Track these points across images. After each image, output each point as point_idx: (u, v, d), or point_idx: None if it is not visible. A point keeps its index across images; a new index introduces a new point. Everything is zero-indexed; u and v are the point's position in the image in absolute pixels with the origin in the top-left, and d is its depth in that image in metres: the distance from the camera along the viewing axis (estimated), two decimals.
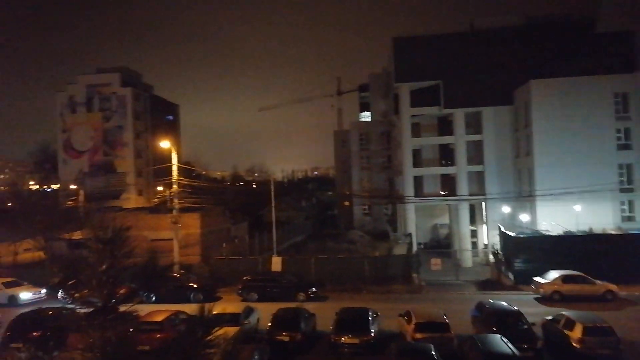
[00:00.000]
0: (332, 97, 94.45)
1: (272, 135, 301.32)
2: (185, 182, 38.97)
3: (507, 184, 40.57)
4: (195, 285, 29.00)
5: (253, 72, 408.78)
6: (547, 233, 33.31)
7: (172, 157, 34.78)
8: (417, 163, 44.42)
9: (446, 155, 45.84)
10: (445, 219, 48.35)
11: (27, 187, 76.89)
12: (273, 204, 37.72)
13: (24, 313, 22.11)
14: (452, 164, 43.41)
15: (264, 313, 22.50)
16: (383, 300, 27.08)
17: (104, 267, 3.92)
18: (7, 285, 29.83)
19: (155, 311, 20.83)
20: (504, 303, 21.54)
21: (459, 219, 42.27)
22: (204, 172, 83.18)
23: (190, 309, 22.50)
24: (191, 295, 27.97)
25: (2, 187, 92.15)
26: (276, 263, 33.17)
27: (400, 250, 37.86)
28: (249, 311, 21.94)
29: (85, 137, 71.43)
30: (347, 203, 65.92)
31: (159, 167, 50.15)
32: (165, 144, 37.29)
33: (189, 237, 36.99)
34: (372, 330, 19.23)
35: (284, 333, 19.42)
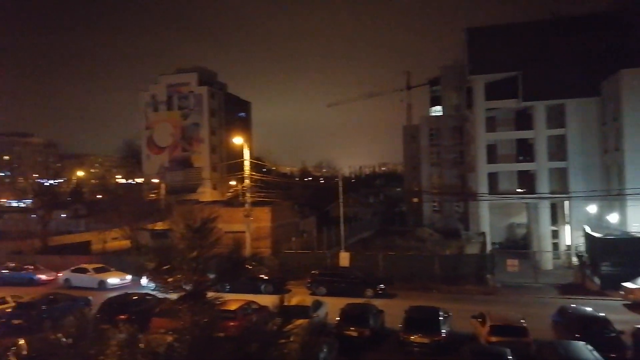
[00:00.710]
0: (401, 91, 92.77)
1: (340, 130, 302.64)
2: (257, 177, 40.26)
3: (593, 182, 37.54)
4: (265, 277, 29.86)
5: (322, 68, 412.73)
6: (638, 235, 30.48)
7: (244, 152, 36.02)
8: (491, 159, 42.41)
9: (524, 150, 43.34)
10: (522, 218, 45.82)
11: (114, 181, 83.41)
12: (341, 200, 37.83)
13: (111, 297, 24.04)
14: (531, 160, 40.97)
15: (332, 307, 22.68)
16: (454, 301, 26.23)
17: (194, 254, 4.14)
18: (97, 270, 32.51)
19: (228, 300, 21.73)
20: (589, 308, 20.08)
21: (539, 218, 39.85)
22: (273, 168, 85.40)
23: (262, 299, 23.44)
24: (262, 287, 28.85)
25: (93, 181, 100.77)
26: (344, 258, 33.30)
27: (472, 249, 36.50)
28: (317, 305, 22.19)
29: (165, 133, 76.01)
30: (416, 200, 64.61)
31: (232, 163, 52.19)
32: (238, 140, 38.73)
33: (260, 230, 38.17)
34: (443, 331, 18.71)
35: (352, 328, 19.45)
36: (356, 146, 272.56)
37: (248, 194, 35.79)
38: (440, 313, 19.84)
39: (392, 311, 22.19)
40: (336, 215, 40.21)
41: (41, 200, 47.82)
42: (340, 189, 37.66)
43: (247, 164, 35.65)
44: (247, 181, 35.97)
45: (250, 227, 35.34)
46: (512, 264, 31.27)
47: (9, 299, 24.21)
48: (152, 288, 26.39)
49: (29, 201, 57.22)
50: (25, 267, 34.27)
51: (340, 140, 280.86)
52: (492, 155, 43.06)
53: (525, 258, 34.42)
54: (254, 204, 37.23)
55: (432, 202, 58.40)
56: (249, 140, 50.13)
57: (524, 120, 42.46)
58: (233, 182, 60.89)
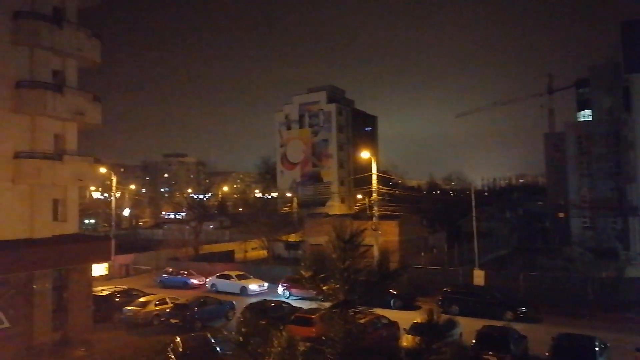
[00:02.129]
0: (540, 96, 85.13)
1: (471, 141, 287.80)
2: (384, 191, 40.18)
3: None
4: (395, 292, 29.40)
5: (450, 77, 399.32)
6: None
7: (372, 166, 36.26)
8: None
9: None
10: None
11: (253, 195, 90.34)
12: (474, 214, 35.76)
13: (252, 303, 25.90)
14: None
15: (466, 328, 21.37)
16: (612, 330, 22.80)
17: (345, 264, 4.29)
18: (239, 277, 35.32)
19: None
20: None
21: None
22: (400, 181, 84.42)
23: (390, 314, 23.08)
24: (391, 302, 28.45)
25: (235, 195, 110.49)
26: (478, 276, 31.29)
27: (634, 272, 31.52)
28: (451, 324, 21.09)
29: (297, 150, 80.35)
30: (561, 215, 58.06)
31: (359, 177, 52.93)
32: (365, 154, 39.16)
33: (387, 244, 37.85)
34: None
35: (490, 352, 18.04)
36: (489, 157, 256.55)
37: (375, 208, 35.85)
38: (597, 343, 17.42)
39: (537, 337, 20.18)
40: (468, 230, 38.11)
41: (194, 213, 53.82)
42: (473, 202, 35.63)
43: (374, 178, 35.83)
44: (374, 195, 36.10)
45: (378, 240, 35.27)
46: None
47: (167, 300, 27.53)
48: (286, 296, 28.10)
49: (183, 213, 64.86)
50: (181, 272, 38.72)
51: (471, 152, 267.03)
52: None
53: None
54: (382, 217, 37.13)
55: (582, 217, 51.86)
56: (376, 154, 50.43)
57: None
58: (360, 196, 61.63)
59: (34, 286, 19.63)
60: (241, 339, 3.88)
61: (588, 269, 33.39)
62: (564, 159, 55.56)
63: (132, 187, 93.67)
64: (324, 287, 4.57)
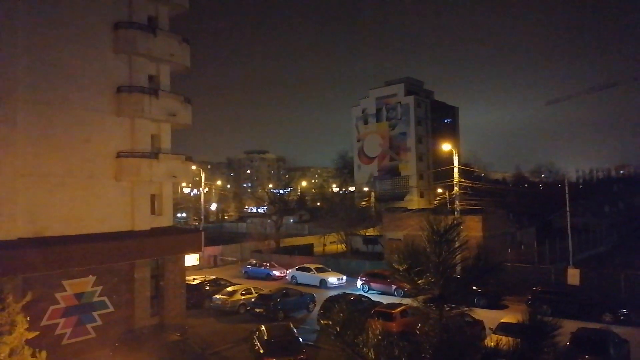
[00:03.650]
0: None
1: (564, 130, 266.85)
2: (466, 184, 38.66)
3: None
4: (479, 290, 28.24)
5: (538, 62, 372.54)
6: None
7: (453, 159, 35.04)
8: None
9: None
10: None
11: (330, 190, 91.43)
12: (567, 208, 33.25)
13: (332, 296, 26.27)
14: None
15: (559, 330, 19.97)
16: None
17: (440, 258, 4.21)
18: (318, 270, 35.96)
19: None
20: None
21: None
22: (483, 174, 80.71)
23: (475, 313, 22.26)
24: (475, 299, 27.38)
25: (314, 190, 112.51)
26: (573, 275, 29.09)
27: None
28: (554, 325, 19.85)
29: (374, 144, 79.79)
30: None
31: (439, 170, 51.40)
32: (445, 146, 37.94)
33: (470, 240, 36.29)
34: None
35: (587, 357, 16.78)
36: (584, 147, 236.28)
37: (457, 202, 34.65)
38: None
39: None
40: (560, 226, 35.53)
41: (275, 207, 55.68)
42: (567, 195, 33.14)
43: (455, 171, 34.61)
44: (456, 188, 34.89)
45: (461, 236, 34.06)
46: None
47: (253, 290, 28.82)
48: (365, 290, 28.10)
49: (265, 208, 67.33)
50: (264, 263, 40.31)
51: (564, 142, 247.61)
52: None
53: None
54: (464, 212, 35.79)
55: None
56: (457, 146, 48.59)
57: None
58: (440, 190, 59.87)
59: (135, 275, 21.52)
60: (338, 328, 3.96)
61: None
62: None
63: (218, 182, 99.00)
64: (420, 281, 4.52)
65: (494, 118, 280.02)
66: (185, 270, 25.16)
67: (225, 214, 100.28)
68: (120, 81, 22.04)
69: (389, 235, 42.36)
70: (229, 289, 29.10)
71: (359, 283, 32.89)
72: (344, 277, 35.17)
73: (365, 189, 72.29)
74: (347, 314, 3.88)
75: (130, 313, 21.25)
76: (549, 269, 30.90)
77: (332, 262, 39.66)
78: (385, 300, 26.82)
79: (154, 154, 22.73)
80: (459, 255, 5.21)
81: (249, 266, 40.52)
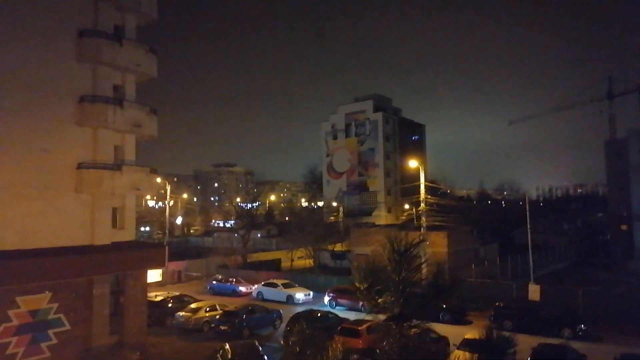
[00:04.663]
0: (600, 101, 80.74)
1: (525, 149, 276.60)
2: (432, 200, 39.34)
3: None
4: (444, 305, 28.57)
5: (501, 83, 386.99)
6: None
7: (420, 175, 35.66)
8: None
9: None
10: None
11: (299, 204, 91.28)
12: (528, 225, 34.27)
13: (299, 312, 25.98)
14: None
15: (520, 346, 20.34)
16: None
17: (400, 277, 4.21)
18: (285, 286, 35.59)
19: None
20: None
21: None
22: (449, 191, 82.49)
23: (439, 328, 22.45)
24: (440, 315, 27.68)
25: (282, 204, 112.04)
26: (534, 291, 29.86)
27: None
28: (508, 342, 20.17)
29: (343, 159, 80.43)
30: (623, 227, 54.54)
31: (407, 186, 52.19)
32: (412, 163, 38.61)
33: (435, 256, 36.98)
34: None
35: None
36: (544, 166, 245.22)
37: (423, 218, 35.17)
38: None
39: (597, 357, 18.94)
40: (521, 242, 36.55)
41: (242, 221, 54.99)
42: (528, 213, 34.18)
43: (422, 187, 35.21)
44: (422, 205, 35.45)
45: (426, 252, 34.52)
46: None
47: (217, 306, 28.16)
48: (332, 306, 27.87)
49: (232, 222, 66.38)
50: (230, 279, 39.56)
51: (525, 160, 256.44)
52: None
53: None
54: (430, 228, 36.35)
55: None
56: (423, 163, 49.55)
57: None
58: (407, 206, 60.73)
59: (94, 291, 20.64)
60: (298, 349, 3.88)
61: None
62: (626, 167, 52.35)
63: (185, 196, 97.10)
64: (380, 300, 4.51)
65: (460, 136, 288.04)
66: (147, 287, 24.34)
67: (191, 228, 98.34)
68: (83, 90, 21.39)
69: (356, 251, 42.50)
70: (193, 305, 28.35)
71: (326, 299, 32.71)
72: (311, 293, 34.92)
73: (334, 203, 72.54)
74: (307, 333, 3.81)
75: (87, 331, 20.32)
76: (510, 284, 31.62)
77: (299, 278, 39.35)
78: (352, 316, 26.72)
79: (117, 166, 22.08)
80: (419, 274, 5.25)
81: (214, 282, 39.69)
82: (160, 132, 24.74)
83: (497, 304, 27.43)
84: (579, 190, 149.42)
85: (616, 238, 56.83)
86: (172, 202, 59.18)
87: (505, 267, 38.33)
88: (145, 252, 24.15)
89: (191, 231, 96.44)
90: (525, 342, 20.19)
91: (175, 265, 45.08)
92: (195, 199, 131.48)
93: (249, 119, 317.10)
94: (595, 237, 64.80)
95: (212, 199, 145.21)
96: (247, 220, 55.02)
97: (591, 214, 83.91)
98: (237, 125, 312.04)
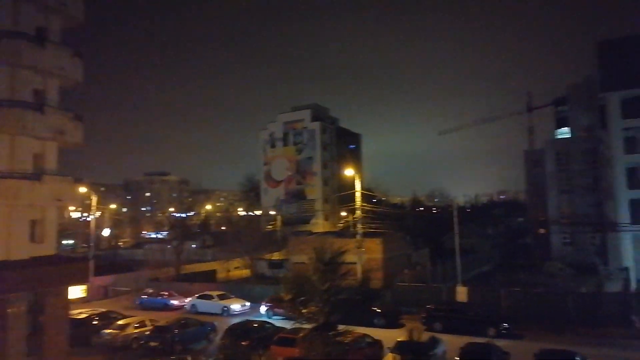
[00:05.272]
0: (520, 114, 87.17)
1: (454, 159, 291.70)
2: (368, 208, 40.27)
3: None
4: (378, 310, 29.29)
5: (435, 95, 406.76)
6: None
7: (356, 184, 36.43)
8: (633, 184, 37.41)
9: None
10: None
11: (236, 214, 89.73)
12: (456, 231, 36.05)
13: (235, 324, 25.51)
14: None
15: (449, 345, 21.36)
16: (593, 345, 23.05)
17: (325, 286, 4.25)
18: (221, 297, 34.80)
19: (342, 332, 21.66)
20: None
21: None
22: (384, 198, 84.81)
23: (374, 333, 22.98)
24: (374, 320, 28.30)
25: (218, 214, 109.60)
26: (461, 293, 31.40)
27: (613, 287, 32.06)
28: (435, 342, 21.08)
29: (281, 168, 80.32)
30: (542, 231, 58.94)
31: (344, 194, 53.05)
32: (349, 172, 39.36)
33: (371, 262, 37.85)
34: None
35: None
36: (471, 174, 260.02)
37: (359, 225, 35.90)
38: (577, 358, 17.59)
39: (519, 353, 20.25)
40: (451, 247, 38.33)
41: (175, 232, 53.08)
42: (455, 219, 35.98)
43: (358, 195, 35.96)
44: (358, 212, 36.18)
45: (362, 258, 35.24)
46: None
47: (147, 322, 26.93)
48: (268, 316, 27.68)
49: (165, 233, 63.92)
50: (161, 293, 38.00)
51: (454, 169, 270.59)
52: (635, 179, 37.97)
53: None
54: (365, 235, 37.16)
55: (562, 233, 52.75)
56: (360, 171, 50.69)
57: None
58: (344, 213, 61.72)
59: (8, 310, 19.04)
60: None
61: (568, 285, 33.88)
62: (543, 175, 56.67)
63: (113, 206, 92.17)
64: (304, 310, 4.54)
65: (394, 146, 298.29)
66: (69, 304, 22.84)
67: (120, 240, 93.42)
68: (1, 94, 19.86)
69: (294, 259, 42.43)
70: (121, 322, 26.91)
71: (263, 309, 32.36)
72: (248, 304, 34.42)
73: (272, 212, 72.10)
74: (230, 347, 3.80)
75: (1, 353, 18.68)
76: (440, 287, 33.04)
77: (236, 288, 38.63)
78: (290, 325, 26.64)
79: (37, 175, 20.62)
80: (347, 281, 5.38)
81: (144, 296, 37.94)
82: (88, 139, 23.49)
83: (428, 306, 28.54)
84: (501, 197, 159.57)
85: (535, 241, 61.23)
86: (98, 213, 55.98)
87: (436, 271, 39.97)
88: (66, 267, 22.64)
89: (120, 243, 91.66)
90: (454, 342, 21.26)
91: (101, 280, 42.60)
92: (124, 210, 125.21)
93: (185, 128, 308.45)
94: (516, 241, 69.43)
95: (143, 209, 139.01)
96: (181, 230, 53.22)
97: (513, 219, 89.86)
98: (172, 134, 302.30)
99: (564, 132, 62.17)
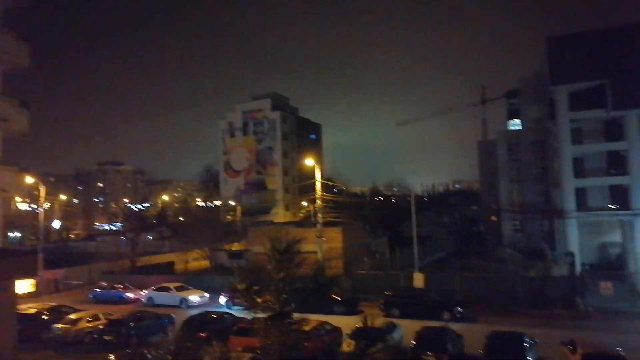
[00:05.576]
0: (475, 106, 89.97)
1: (412, 149, 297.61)
2: (328, 198, 40.50)
3: None
4: (338, 298, 29.62)
5: (392, 87, 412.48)
6: None
7: (316, 174, 36.50)
8: (578, 173, 39.39)
9: (616, 163, 39.84)
10: (615, 237, 41.80)
11: (195, 204, 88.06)
12: (413, 219, 36.89)
13: (193, 315, 25.08)
14: (624, 173, 37.51)
15: (406, 330, 21.92)
16: (540, 326, 24.29)
17: (281, 275, 4.20)
18: (178, 289, 34.14)
19: (302, 320, 21.78)
20: None
21: (634, 236, 36.15)
22: (344, 188, 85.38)
23: (334, 320, 23.24)
24: (334, 307, 28.62)
25: (176, 204, 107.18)
26: (418, 279, 32.27)
27: (559, 271, 33.79)
28: (391, 327, 21.55)
29: (241, 158, 79.38)
30: (494, 218, 61.38)
31: (304, 184, 53.10)
32: (309, 162, 39.40)
33: (331, 251, 38.18)
34: (529, 358, 17.35)
35: (429, 353, 18.55)
36: (428, 164, 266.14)
37: (320, 215, 36.06)
38: (526, 339, 18.44)
39: (472, 336, 21.01)
40: (409, 235, 39.22)
41: (130, 224, 51.53)
42: (413, 208, 36.79)
43: (318, 185, 36.06)
44: (318, 202, 36.32)
45: (322, 247, 35.48)
46: (606, 286, 28.43)
47: (101, 316, 26.06)
48: (228, 307, 27.36)
49: (120, 224, 61.90)
50: (116, 286, 36.87)
51: (412, 159, 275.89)
52: (580, 169, 40.00)
53: (620, 280, 31.15)
54: (326, 224, 37.39)
55: (513, 220, 55.10)
56: (320, 161, 50.88)
57: (614, 130, 39.14)
58: (305, 203, 61.87)
59: None
60: (170, 357, 3.73)
61: (518, 269, 35.46)
62: (496, 165, 58.86)
63: (63, 197, 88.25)
64: (259, 300, 4.50)
65: (354, 136, 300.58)
66: (16, 299, 21.67)
67: (71, 233, 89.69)
68: None
69: (254, 250, 42.12)
70: (73, 316, 25.90)
71: (222, 300, 32.02)
72: (207, 295, 33.94)
73: (232, 202, 71.26)
74: (183, 339, 3.71)
75: None
76: (398, 274, 33.79)
77: (194, 280, 38.00)
78: (250, 315, 26.48)
79: None
80: (302, 270, 5.38)
81: (98, 290, 36.70)
82: (35, 128, 22.30)
83: (386, 293, 29.14)
84: (457, 186, 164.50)
85: (488, 228, 63.67)
86: (47, 205, 53.45)
87: (394, 259, 40.81)
88: (12, 260, 21.38)
89: (71, 236, 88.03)
90: (411, 327, 21.81)
91: (51, 274, 40.82)
92: (76, 201, 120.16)
93: (141, 116, 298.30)
94: (470, 228, 71.90)
95: (95, 200, 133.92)
96: (136, 222, 51.72)
97: (467, 208, 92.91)
98: (127, 123, 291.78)
99: (515, 124, 64.73)
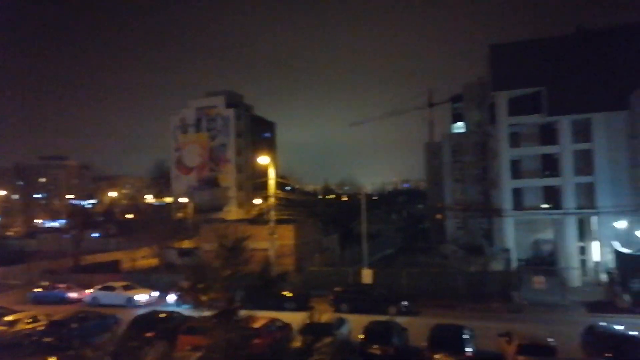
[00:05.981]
0: (422, 109, 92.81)
1: (363, 149, 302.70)
2: (281, 196, 40.77)
3: (622, 197, 36.56)
4: (289, 294, 30.04)
5: (345, 88, 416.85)
6: None
7: (269, 172, 36.66)
8: (516, 174, 41.85)
9: (549, 165, 42.67)
10: (548, 234, 44.81)
11: (144, 201, 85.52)
12: (363, 217, 37.92)
13: (140, 315, 24.66)
14: (557, 175, 40.29)
15: (355, 325, 22.68)
16: (479, 319, 25.84)
17: (227, 273, 4.41)
18: (125, 288, 33.36)
19: (252, 317, 22.01)
20: (619, 327, 19.50)
21: (565, 234, 38.94)
22: (297, 186, 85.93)
23: (285, 317, 23.62)
24: (285, 304, 29.03)
25: (124, 201, 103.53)
26: (367, 275, 33.26)
27: (497, 266, 35.89)
28: (340, 322, 22.21)
29: (194, 154, 77.93)
30: (439, 216, 63.89)
31: (257, 182, 53.05)
32: (263, 159, 39.48)
33: (283, 248, 38.53)
34: (468, 349, 18.48)
35: (375, 346, 19.37)
36: (378, 164, 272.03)
37: (272, 212, 36.28)
38: (465, 331, 19.61)
39: (417, 329, 22.02)
40: (359, 232, 40.27)
41: (74, 221, 49.50)
42: (363, 206, 37.80)
43: (271, 183, 36.25)
44: (271, 199, 36.52)
45: (275, 244, 35.75)
46: (539, 281, 30.59)
47: (41, 317, 25.11)
48: (177, 305, 27.11)
49: (63, 221, 59.26)
50: (58, 285, 35.45)
51: (363, 159, 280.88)
52: (517, 170, 42.49)
53: (552, 275, 33.59)
54: (278, 222, 37.65)
55: (456, 218, 57.65)
56: (274, 159, 50.78)
57: (549, 135, 41.88)
58: (258, 201, 61.73)
59: None
60: (109, 358, 3.94)
61: (460, 265, 37.33)
62: (441, 166, 61.31)
63: (1, 192, 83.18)
64: (204, 298, 4.71)
65: (307, 135, 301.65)
66: None
67: (10, 230, 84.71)
68: None
69: (205, 247, 41.73)
70: (9, 317, 24.80)
71: (171, 298, 31.61)
72: (156, 294, 33.37)
73: (184, 200, 69.85)
74: (124, 341, 3.93)
75: None
76: (348, 270, 34.70)
77: (142, 278, 37.21)
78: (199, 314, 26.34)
79: None
80: (249, 267, 5.65)
81: (38, 290, 35.16)
82: None
83: (335, 289, 29.88)
84: (405, 185, 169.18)
85: (433, 226, 66.18)
86: None
87: (344, 255, 41.76)
88: None
89: (9, 233, 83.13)
90: (360, 321, 22.59)
91: None
92: (16, 196, 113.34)
93: (89, 110, 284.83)
94: (417, 226, 74.53)
95: (37, 196, 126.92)
96: (81, 219, 49.75)
97: (414, 206, 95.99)
98: (73, 115, 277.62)
99: (459, 127, 67.59)
